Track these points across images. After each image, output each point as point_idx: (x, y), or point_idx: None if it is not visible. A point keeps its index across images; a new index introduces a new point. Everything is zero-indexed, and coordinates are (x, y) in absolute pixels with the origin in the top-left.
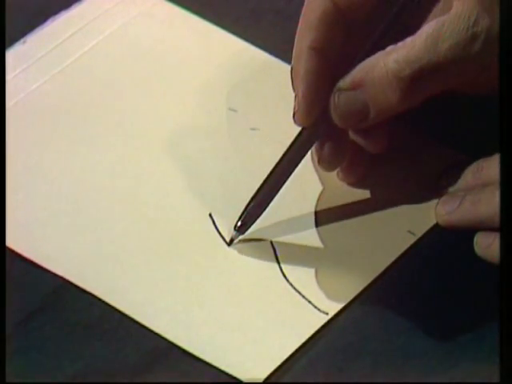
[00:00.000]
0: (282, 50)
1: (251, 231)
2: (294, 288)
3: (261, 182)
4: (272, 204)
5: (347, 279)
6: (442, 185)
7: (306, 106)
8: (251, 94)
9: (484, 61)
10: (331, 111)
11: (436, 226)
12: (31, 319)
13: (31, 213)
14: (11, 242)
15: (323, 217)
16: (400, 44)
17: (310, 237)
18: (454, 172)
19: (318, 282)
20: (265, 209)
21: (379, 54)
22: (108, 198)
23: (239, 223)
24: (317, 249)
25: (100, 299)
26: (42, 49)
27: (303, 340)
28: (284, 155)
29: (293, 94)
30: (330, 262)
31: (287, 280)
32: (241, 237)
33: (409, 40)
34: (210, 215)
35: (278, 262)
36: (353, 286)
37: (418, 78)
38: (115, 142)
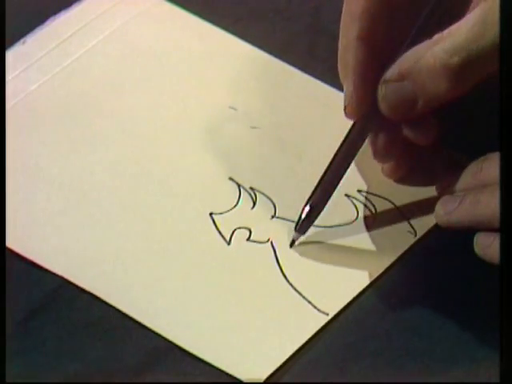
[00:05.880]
0: (282, 50)
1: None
2: (294, 288)
3: (260, 181)
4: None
5: (347, 279)
6: (442, 185)
7: (358, 97)
8: (251, 92)
9: None
10: (379, 102)
11: (436, 225)
12: (31, 319)
13: (31, 213)
14: (11, 242)
15: None
16: (446, 32)
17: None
18: (453, 172)
19: (318, 282)
20: (324, 206)
21: (425, 44)
22: (108, 198)
23: (299, 224)
24: (317, 249)
25: (100, 299)
26: (42, 49)
27: (303, 340)
28: (338, 150)
29: (292, 94)
30: (330, 262)
31: (287, 280)
32: (301, 238)
33: (455, 28)
34: (211, 215)
35: (278, 262)
36: (353, 286)
37: (467, 65)
38: (115, 142)
